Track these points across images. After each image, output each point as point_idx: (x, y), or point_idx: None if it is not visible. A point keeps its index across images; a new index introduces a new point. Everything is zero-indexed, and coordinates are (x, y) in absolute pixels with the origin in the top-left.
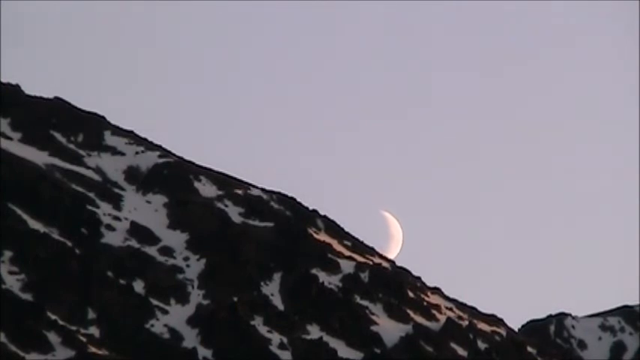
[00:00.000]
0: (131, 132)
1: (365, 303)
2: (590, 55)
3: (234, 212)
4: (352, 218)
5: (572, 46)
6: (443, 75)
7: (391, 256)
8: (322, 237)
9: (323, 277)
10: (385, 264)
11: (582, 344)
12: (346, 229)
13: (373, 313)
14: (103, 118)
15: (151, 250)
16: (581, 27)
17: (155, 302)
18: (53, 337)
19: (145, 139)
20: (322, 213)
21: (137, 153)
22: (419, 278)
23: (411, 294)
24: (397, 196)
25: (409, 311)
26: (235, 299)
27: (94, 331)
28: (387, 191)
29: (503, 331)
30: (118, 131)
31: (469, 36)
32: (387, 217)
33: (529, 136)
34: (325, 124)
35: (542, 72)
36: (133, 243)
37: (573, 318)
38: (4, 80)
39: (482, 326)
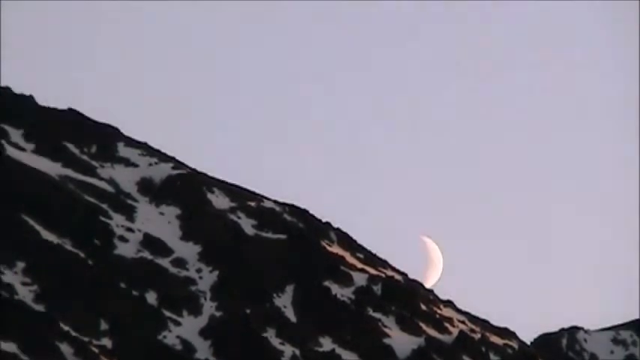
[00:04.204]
0: (144, 143)
1: (377, 315)
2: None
3: (246, 224)
4: (392, 242)
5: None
6: (480, 91)
7: (431, 282)
8: (335, 249)
9: (335, 289)
10: (398, 276)
11: (594, 358)
12: (359, 242)
13: (385, 326)
14: (117, 129)
15: (164, 262)
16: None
17: (167, 314)
18: (65, 348)
19: (159, 151)
20: (335, 225)
21: (150, 164)
22: (431, 291)
23: (423, 306)
24: (438, 222)
25: (421, 324)
26: (248, 311)
27: (106, 342)
28: (428, 216)
29: (515, 344)
30: (131, 142)
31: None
32: (427, 242)
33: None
34: (362, 142)
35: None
36: (146, 254)
37: (585, 332)
38: (17, 91)
39: (495, 339)
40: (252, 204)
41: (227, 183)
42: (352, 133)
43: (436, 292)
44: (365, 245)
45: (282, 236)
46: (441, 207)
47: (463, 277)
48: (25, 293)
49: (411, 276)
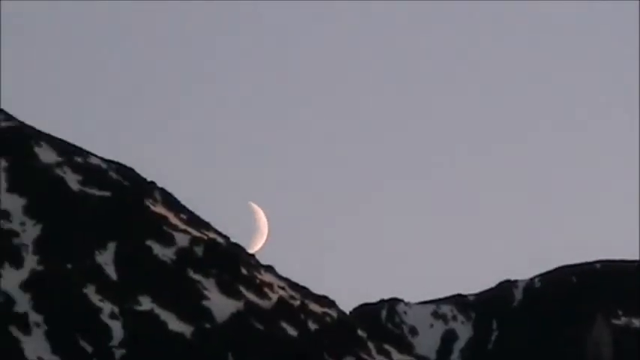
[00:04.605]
0: None
1: (198, 277)
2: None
3: (72, 180)
4: (220, 207)
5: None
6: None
7: (256, 248)
8: (158, 209)
9: (157, 249)
10: (220, 239)
11: (414, 331)
12: (183, 203)
13: (205, 288)
14: None
15: None
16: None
17: None
18: None
19: None
20: (160, 185)
21: None
22: (253, 256)
23: (244, 271)
24: (266, 188)
25: (241, 288)
26: (69, 266)
27: None
28: (257, 182)
29: (334, 313)
30: None
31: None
32: (254, 208)
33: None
34: (197, 108)
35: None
36: None
37: (406, 304)
38: None
39: (314, 307)
40: (79, 159)
41: (55, 137)
42: (181, 94)
43: (261, 258)
44: (189, 207)
45: (107, 193)
46: (271, 174)
47: (289, 245)
48: None
49: (237, 241)
